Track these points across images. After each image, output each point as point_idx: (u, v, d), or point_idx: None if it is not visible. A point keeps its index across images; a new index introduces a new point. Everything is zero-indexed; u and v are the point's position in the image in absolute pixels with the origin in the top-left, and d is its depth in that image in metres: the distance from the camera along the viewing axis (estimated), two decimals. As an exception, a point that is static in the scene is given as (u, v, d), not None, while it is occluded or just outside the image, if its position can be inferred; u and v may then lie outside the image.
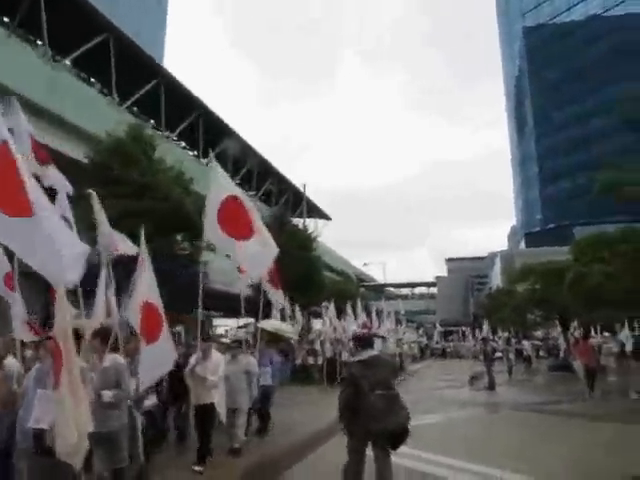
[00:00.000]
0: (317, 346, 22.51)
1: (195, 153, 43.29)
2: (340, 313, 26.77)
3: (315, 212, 59.24)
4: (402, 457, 8.22)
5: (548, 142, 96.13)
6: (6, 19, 28.89)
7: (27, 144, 5.28)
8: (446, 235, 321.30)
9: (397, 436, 5.32)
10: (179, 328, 21.08)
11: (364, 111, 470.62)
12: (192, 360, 7.11)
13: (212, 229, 7.35)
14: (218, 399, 7.17)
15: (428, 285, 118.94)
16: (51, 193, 6.08)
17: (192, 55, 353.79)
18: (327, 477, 5.66)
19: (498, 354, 27.53)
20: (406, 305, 76.41)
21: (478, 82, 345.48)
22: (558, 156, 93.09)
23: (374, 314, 30.10)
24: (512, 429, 11.53)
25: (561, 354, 26.57)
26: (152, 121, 39.11)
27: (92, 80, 35.42)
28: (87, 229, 7.99)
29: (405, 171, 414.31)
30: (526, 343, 31.91)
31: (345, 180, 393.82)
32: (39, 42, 29.64)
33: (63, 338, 3.61)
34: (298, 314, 24.44)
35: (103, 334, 5.27)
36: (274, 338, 24.72)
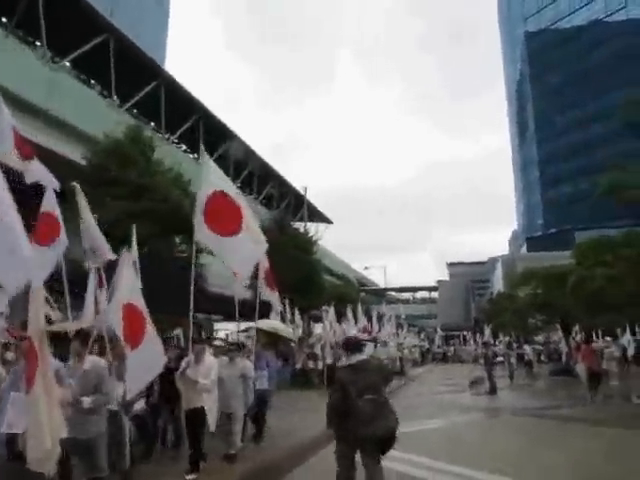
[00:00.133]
0: (317, 350, 22.29)
1: (195, 156, 43.16)
2: (340, 317, 26.64)
3: (316, 216, 59.14)
4: (398, 462, 8.11)
5: (550, 147, 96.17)
6: (4, 19, 28.77)
7: (10, 139, 5.07)
8: (447, 239, 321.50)
9: (385, 441, 5.25)
10: (177, 331, 20.89)
11: (363, 113, 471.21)
12: (183, 363, 6.90)
13: (199, 228, 7.14)
14: (210, 404, 6.93)
15: (429, 289, 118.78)
16: (38, 190, 5.89)
17: (192, 57, 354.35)
18: None
19: (499, 358, 27.36)
20: (407, 309, 76.29)
21: (480, 87, 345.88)
22: (559, 161, 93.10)
23: (374, 318, 29.91)
24: (512, 434, 11.34)
25: (563, 358, 26.38)
26: (152, 123, 39.05)
27: (92, 82, 35.31)
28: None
29: (405, 174, 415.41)
30: (527, 348, 31.68)
31: (346, 183, 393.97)
32: (38, 43, 29.53)
33: (38, 339, 3.43)
34: (297, 317, 24.31)
35: (83, 336, 5.05)
36: (272, 340, 24.62)
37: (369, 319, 29.11)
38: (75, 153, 23.03)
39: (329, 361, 20.10)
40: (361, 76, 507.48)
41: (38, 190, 5.87)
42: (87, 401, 4.65)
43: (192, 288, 6.76)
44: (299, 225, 37.77)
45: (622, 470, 7.59)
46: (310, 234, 34.84)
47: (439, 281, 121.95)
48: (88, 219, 6.43)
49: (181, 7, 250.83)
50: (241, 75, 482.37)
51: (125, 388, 5.52)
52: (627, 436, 10.61)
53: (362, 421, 5.06)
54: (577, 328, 29.24)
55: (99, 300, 6.82)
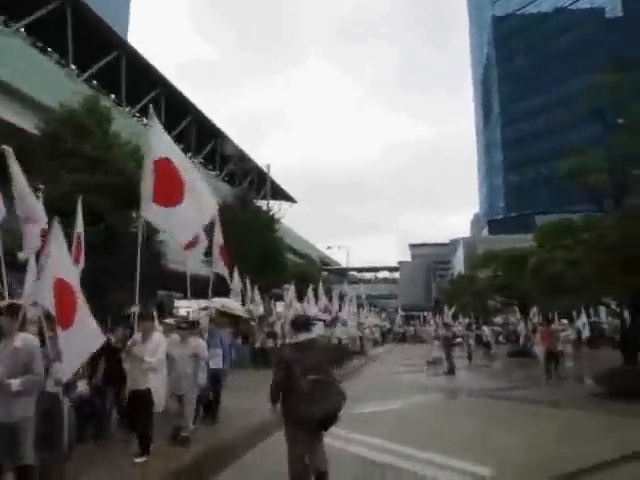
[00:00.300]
0: (277, 329, 22.10)
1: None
2: (302, 296, 26.47)
3: (280, 194, 58.74)
4: (352, 444, 8.02)
5: (513, 131, 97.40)
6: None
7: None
8: (411, 221, 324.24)
9: (326, 421, 5.20)
10: (135, 309, 20.48)
11: (328, 95, 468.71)
12: (129, 342, 6.57)
13: (146, 203, 6.76)
14: (156, 384, 6.59)
15: (391, 270, 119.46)
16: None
17: (155, 32, 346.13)
18: (280, 466, 5.34)
19: (458, 339, 27.65)
20: (369, 289, 76.67)
21: (448, 71, 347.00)
22: (523, 145, 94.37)
23: (335, 298, 29.83)
24: (467, 416, 11.35)
25: (521, 340, 26.81)
26: (113, 96, 37.90)
27: (49, 50, 33.96)
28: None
29: (371, 156, 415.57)
30: (486, 329, 32.13)
31: (311, 164, 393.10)
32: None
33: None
34: (257, 296, 24.06)
35: (12, 310, 4.65)
36: (233, 319, 24.37)
37: (330, 298, 29.01)
38: (29, 123, 22.11)
39: (288, 340, 19.94)
40: (330, 59, 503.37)
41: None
42: (16, 383, 4.28)
43: (138, 264, 6.44)
44: (262, 203, 37.33)
45: (574, 452, 7.61)
46: (272, 212, 34.46)
47: (400, 262, 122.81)
48: (21, 185, 5.97)
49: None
50: (207, 50, 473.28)
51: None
52: (580, 417, 10.76)
53: (303, 400, 5.02)
54: (535, 310, 29.78)
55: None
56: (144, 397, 6.61)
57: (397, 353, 35.08)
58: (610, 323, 31.06)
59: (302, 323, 5.77)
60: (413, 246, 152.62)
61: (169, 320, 8.45)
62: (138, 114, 40.88)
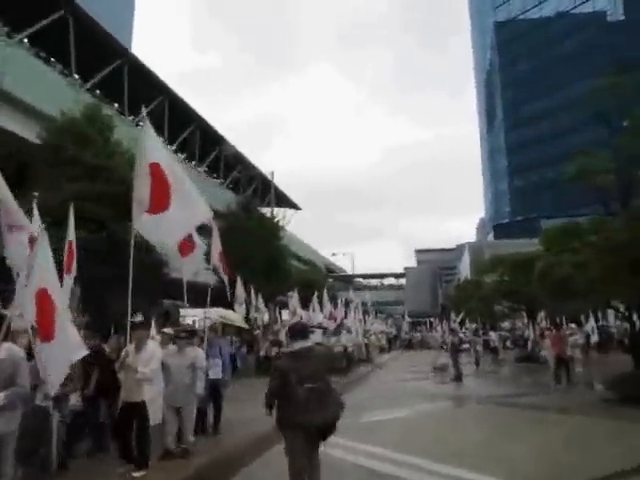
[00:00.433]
0: (282, 337, 21.88)
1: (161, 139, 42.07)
2: (307, 303, 26.33)
3: (284, 202, 58.59)
4: (354, 454, 7.82)
5: (517, 135, 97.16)
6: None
7: None
8: (417, 227, 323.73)
9: (324, 430, 5.12)
10: (137, 318, 20.36)
11: (328, 100, 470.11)
12: (123, 352, 6.38)
13: (139, 210, 6.62)
14: (151, 396, 6.36)
15: (397, 276, 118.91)
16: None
17: (158, 42, 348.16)
18: (283, 476, 5.17)
19: (465, 345, 27.40)
20: (375, 296, 76.37)
21: (452, 75, 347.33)
22: (527, 149, 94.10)
23: (340, 304, 29.62)
24: (475, 424, 11.13)
25: (529, 345, 26.51)
26: (116, 105, 37.89)
27: (52, 60, 33.99)
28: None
29: (369, 161, 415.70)
30: (493, 334, 31.88)
31: (315, 171, 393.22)
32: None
33: None
34: (261, 304, 23.93)
35: (-4, 321, 4.47)
36: (239, 328, 24.27)
37: (335, 305, 28.81)
38: (31, 133, 22.07)
39: (284, 348, 19.74)
40: (331, 64, 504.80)
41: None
42: (0, 397, 4.11)
43: (130, 271, 6.28)
44: (266, 210, 37.21)
45: (584, 461, 7.39)
46: (277, 219, 34.35)
47: (406, 268, 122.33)
48: (4, 193, 5.80)
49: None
50: (208, 58, 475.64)
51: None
52: (589, 424, 10.51)
53: (300, 409, 4.93)
54: (542, 315, 29.49)
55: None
56: (139, 410, 6.38)
57: (403, 360, 34.78)
58: (619, 327, 30.73)
59: (298, 331, 5.67)
60: (419, 252, 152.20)
61: (168, 329, 8.24)
62: (141, 123, 40.90)
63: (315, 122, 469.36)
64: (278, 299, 31.32)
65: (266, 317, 26.15)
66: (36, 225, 7.01)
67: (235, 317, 22.18)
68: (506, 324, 42.61)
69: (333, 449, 7.11)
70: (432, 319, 59.25)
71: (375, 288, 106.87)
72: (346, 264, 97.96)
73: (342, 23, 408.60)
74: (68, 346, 4.94)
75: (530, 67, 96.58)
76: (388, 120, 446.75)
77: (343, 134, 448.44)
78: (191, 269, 8.70)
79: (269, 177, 40.50)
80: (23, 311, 4.85)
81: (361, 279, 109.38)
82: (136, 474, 6.25)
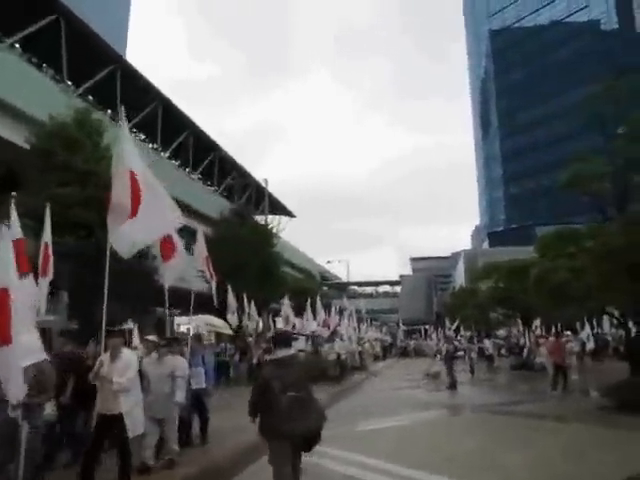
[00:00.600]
0: (275, 344, 21.63)
1: (154, 145, 41.83)
2: (301, 311, 26.13)
3: (279, 209, 58.42)
4: (346, 464, 7.59)
5: (512, 143, 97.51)
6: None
7: None
8: (411, 235, 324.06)
9: (310, 439, 5.09)
10: (128, 326, 20.06)
11: (326, 108, 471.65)
12: (97, 362, 6.09)
13: (116, 222, 6.43)
14: (128, 407, 6.01)
15: (392, 283, 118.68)
16: None
17: (153, 48, 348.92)
18: None
19: (460, 353, 27.19)
20: (370, 304, 76.12)
21: (446, 83, 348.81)
22: (522, 157, 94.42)
23: (334, 312, 29.36)
24: (470, 433, 10.86)
25: (524, 352, 26.30)
26: (109, 111, 37.65)
27: (44, 66, 33.77)
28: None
29: (367, 168, 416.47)
30: (487, 342, 31.69)
31: (310, 179, 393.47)
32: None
33: None
34: (254, 311, 23.72)
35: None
36: (231, 335, 24.05)
37: (329, 313, 28.55)
38: (21, 138, 21.83)
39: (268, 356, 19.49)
40: (329, 71, 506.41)
41: None
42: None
43: (106, 281, 6.04)
44: (261, 218, 37.02)
45: (580, 470, 7.22)
46: (271, 226, 34.19)
47: (402, 275, 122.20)
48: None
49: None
50: (204, 66, 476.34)
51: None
52: (586, 432, 10.30)
53: (282, 417, 4.89)
54: (537, 322, 29.29)
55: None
56: (116, 423, 6.00)
57: (398, 368, 34.53)
58: (614, 334, 30.61)
59: (282, 339, 5.62)
60: (414, 259, 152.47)
61: (151, 337, 7.96)
62: (135, 129, 40.62)
63: (313, 129, 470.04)
64: (271, 307, 31.10)
65: (260, 324, 25.91)
66: (15, 227, 6.79)
67: (219, 323, 22.03)
68: (501, 332, 42.38)
69: (323, 458, 6.89)
70: (427, 327, 58.98)
71: (370, 296, 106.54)
72: (342, 271, 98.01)
73: (340, 31, 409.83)
74: (24, 350, 4.65)
75: (525, 75, 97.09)
76: (386, 127, 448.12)
77: (340, 141, 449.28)
78: (172, 275, 8.43)
79: (263, 184, 40.32)
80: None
81: (356, 287, 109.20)
82: None
